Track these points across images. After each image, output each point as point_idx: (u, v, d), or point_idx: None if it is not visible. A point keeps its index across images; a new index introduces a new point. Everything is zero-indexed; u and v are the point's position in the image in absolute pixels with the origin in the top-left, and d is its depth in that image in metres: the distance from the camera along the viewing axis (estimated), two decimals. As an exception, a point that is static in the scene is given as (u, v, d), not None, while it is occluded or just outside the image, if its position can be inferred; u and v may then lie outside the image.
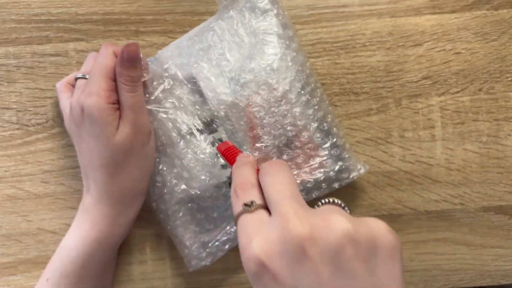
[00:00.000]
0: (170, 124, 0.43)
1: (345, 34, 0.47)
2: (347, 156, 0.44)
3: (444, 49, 0.48)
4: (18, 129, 0.47)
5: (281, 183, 0.28)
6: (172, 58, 0.43)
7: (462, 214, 0.48)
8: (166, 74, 0.43)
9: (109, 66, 0.39)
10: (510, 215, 0.48)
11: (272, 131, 0.42)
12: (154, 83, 0.43)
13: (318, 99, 0.43)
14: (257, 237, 0.25)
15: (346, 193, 0.47)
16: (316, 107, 0.43)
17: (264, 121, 0.42)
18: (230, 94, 0.42)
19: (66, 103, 0.42)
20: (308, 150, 0.43)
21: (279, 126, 0.42)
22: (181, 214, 0.43)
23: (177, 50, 0.43)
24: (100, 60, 0.40)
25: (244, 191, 0.29)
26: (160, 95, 0.43)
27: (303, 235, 0.24)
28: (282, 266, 0.24)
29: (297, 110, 0.42)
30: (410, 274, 0.48)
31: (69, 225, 0.47)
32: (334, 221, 0.24)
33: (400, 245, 0.25)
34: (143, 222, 0.47)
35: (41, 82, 0.47)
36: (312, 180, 0.43)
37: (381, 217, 0.48)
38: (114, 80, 0.40)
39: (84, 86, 0.40)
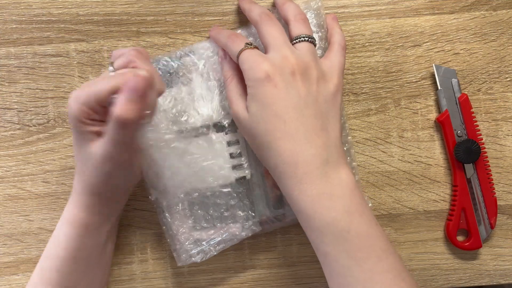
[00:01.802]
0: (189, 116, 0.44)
1: (345, 35, 0.48)
2: None
3: (443, 49, 0.48)
4: (19, 129, 0.47)
5: (276, 30, 0.40)
6: (212, 52, 0.45)
7: (460, 214, 0.48)
8: (198, 68, 0.44)
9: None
10: (509, 215, 0.48)
11: None
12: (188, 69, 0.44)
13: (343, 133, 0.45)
14: (266, 61, 0.38)
15: (345, 193, 0.48)
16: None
17: None
18: None
19: None
20: None
21: None
22: (179, 207, 0.44)
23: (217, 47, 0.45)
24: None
25: (238, 37, 0.41)
26: (183, 86, 0.44)
27: (294, 65, 0.38)
28: (281, 80, 0.37)
29: None
30: (409, 273, 0.48)
31: (70, 225, 0.47)
32: (313, 64, 0.39)
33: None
34: (144, 222, 0.47)
35: (42, 82, 0.47)
36: None
37: (380, 216, 0.48)
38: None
39: None
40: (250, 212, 0.44)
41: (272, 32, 0.40)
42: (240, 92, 0.41)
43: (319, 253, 0.37)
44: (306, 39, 0.40)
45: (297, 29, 0.40)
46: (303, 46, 0.40)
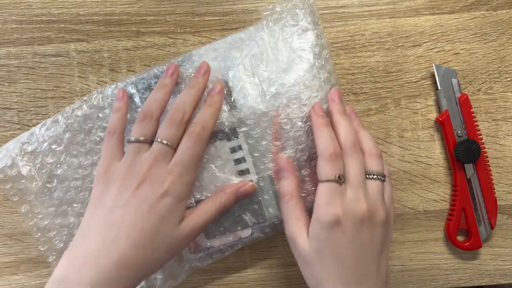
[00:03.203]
0: None
1: (345, 35, 0.48)
2: None
3: (443, 49, 0.48)
4: (19, 129, 0.47)
5: (359, 166, 0.39)
6: (207, 59, 0.44)
7: (461, 214, 0.48)
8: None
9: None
10: (509, 215, 0.48)
11: (295, 144, 0.42)
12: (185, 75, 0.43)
13: None
14: (339, 204, 0.37)
15: (345, 193, 0.48)
16: None
17: (290, 133, 0.42)
18: (261, 103, 0.42)
19: (110, 151, 0.40)
20: None
21: (303, 141, 0.42)
22: None
23: (213, 53, 0.44)
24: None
25: (336, 161, 0.39)
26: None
27: (366, 212, 0.37)
28: (350, 228, 0.37)
29: None
30: (409, 273, 0.48)
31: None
32: (381, 207, 0.39)
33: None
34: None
35: (42, 82, 0.47)
36: None
37: (381, 216, 0.48)
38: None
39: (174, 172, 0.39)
40: (260, 217, 0.44)
41: (353, 167, 0.39)
42: (299, 213, 0.40)
43: None
44: (379, 177, 0.40)
45: (372, 164, 0.40)
46: (374, 186, 0.39)
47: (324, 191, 0.38)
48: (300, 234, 0.39)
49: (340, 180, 0.38)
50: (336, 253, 0.37)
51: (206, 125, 0.40)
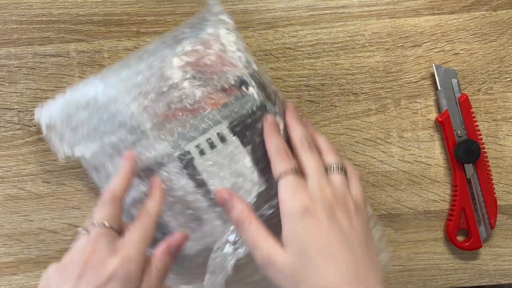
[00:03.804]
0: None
1: (345, 35, 0.48)
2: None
3: (443, 49, 0.48)
4: (19, 129, 0.47)
5: (317, 160, 0.38)
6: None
7: (460, 214, 0.48)
8: None
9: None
10: (509, 215, 0.48)
11: (195, 94, 0.40)
12: None
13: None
14: (303, 193, 0.36)
15: (345, 193, 0.48)
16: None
17: (188, 104, 0.40)
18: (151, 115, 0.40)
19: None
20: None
21: (195, 95, 0.40)
22: None
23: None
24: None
25: (287, 155, 0.38)
26: None
27: (332, 198, 0.36)
28: (322, 213, 0.35)
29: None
30: (409, 273, 0.48)
31: (70, 225, 0.47)
32: (348, 196, 0.37)
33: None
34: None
35: (42, 82, 0.47)
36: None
37: (380, 216, 0.48)
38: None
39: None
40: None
41: (310, 161, 0.38)
42: (265, 232, 0.36)
43: None
44: (339, 170, 0.38)
45: (330, 159, 0.39)
46: (337, 179, 0.38)
47: (284, 185, 0.36)
48: (275, 250, 0.35)
49: (296, 171, 0.37)
50: (321, 247, 0.34)
51: (152, 209, 0.38)
